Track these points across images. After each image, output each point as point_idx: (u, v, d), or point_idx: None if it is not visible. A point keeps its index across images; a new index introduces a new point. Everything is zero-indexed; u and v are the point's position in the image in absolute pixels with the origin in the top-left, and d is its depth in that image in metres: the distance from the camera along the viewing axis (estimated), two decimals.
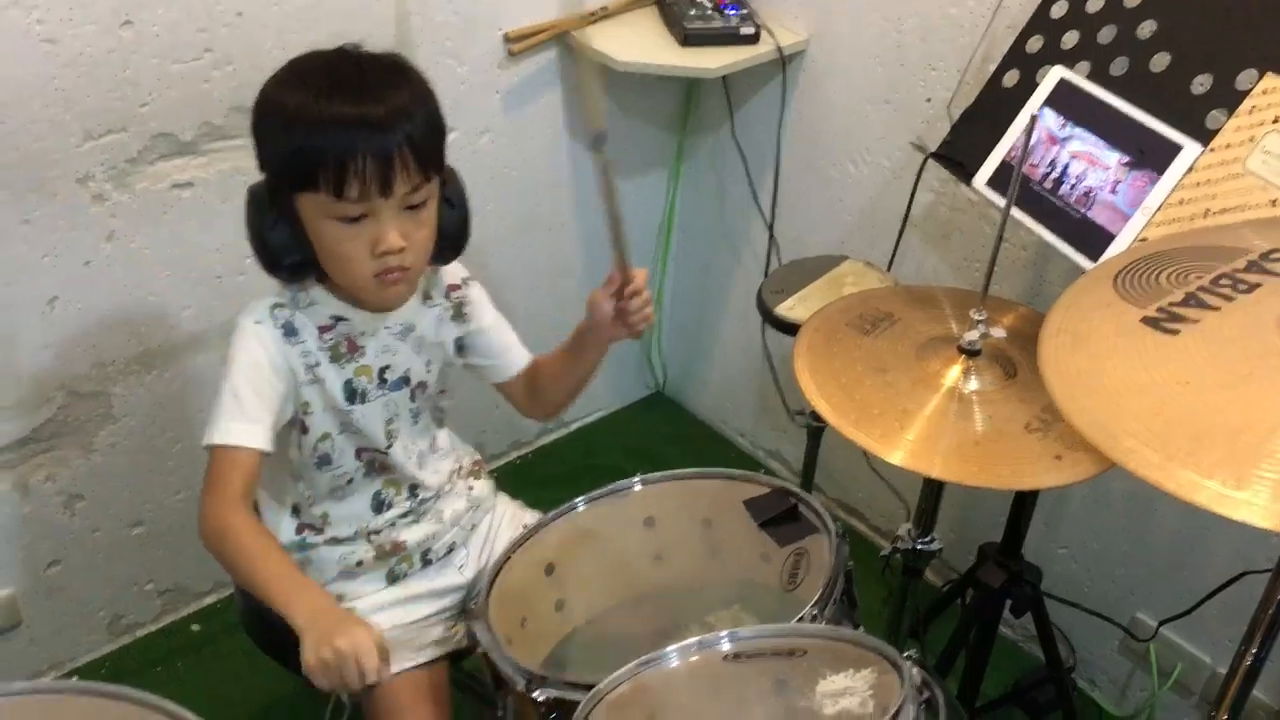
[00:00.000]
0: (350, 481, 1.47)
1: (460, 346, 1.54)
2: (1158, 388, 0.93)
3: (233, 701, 2.05)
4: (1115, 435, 0.88)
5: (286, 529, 1.50)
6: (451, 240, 1.43)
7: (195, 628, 2.23)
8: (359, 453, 1.46)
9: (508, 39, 2.12)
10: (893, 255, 2.01)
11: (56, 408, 1.89)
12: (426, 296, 1.49)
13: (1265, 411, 0.88)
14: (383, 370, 1.44)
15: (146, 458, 2.04)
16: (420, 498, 1.53)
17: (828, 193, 2.26)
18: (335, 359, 1.40)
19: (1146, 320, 0.99)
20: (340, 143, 1.23)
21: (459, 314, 1.52)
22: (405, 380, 1.47)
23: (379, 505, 1.50)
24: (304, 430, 1.42)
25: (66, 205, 1.74)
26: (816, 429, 1.90)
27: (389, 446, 1.47)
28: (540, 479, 2.59)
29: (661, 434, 2.77)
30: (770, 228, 2.36)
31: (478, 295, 1.55)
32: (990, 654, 1.97)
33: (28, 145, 1.67)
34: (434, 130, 1.33)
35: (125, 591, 2.15)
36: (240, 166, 1.88)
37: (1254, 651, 1.15)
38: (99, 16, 1.65)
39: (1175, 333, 0.97)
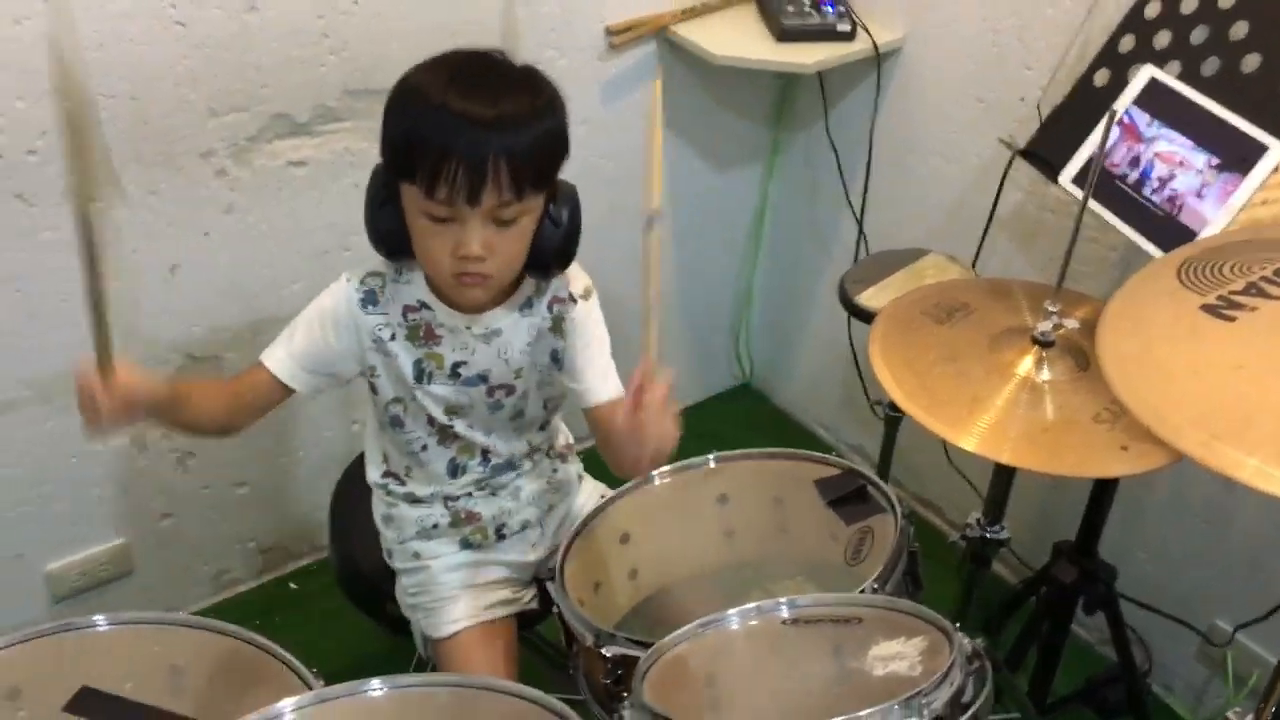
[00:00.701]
0: (425, 448, 1.54)
1: (556, 359, 1.52)
2: (1211, 371, 0.96)
3: (326, 653, 2.14)
4: (1164, 414, 0.91)
5: (374, 471, 1.60)
6: (552, 256, 1.43)
7: (293, 585, 2.35)
8: (430, 420, 1.52)
9: (609, 31, 2.18)
10: (978, 251, 2.03)
11: (174, 369, 2.01)
12: (526, 305, 1.48)
13: None
14: (456, 365, 1.47)
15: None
16: (492, 463, 1.57)
17: (918, 189, 2.28)
18: (411, 338, 1.46)
19: (1205, 307, 1.02)
20: (441, 139, 1.26)
21: (557, 327, 1.50)
22: (483, 379, 1.49)
23: (454, 470, 1.56)
24: (374, 390, 1.51)
25: (190, 178, 1.86)
26: (894, 418, 1.94)
27: (450, 425, 1.52)
28: None
29: (745, 425, 2.82)
30: (860, 222, 2.39)
31: (583, 313, 1.51)
32: (1062, 651, 1.98)
33: (158, 120, 1.79)
34: (544, 149, 1.33)
35: (229, 548, 2.28)
36: (351, 148, 1.99)
37: None
38: (226, 2, 1.76)
39: (1232, 319, 0.99)
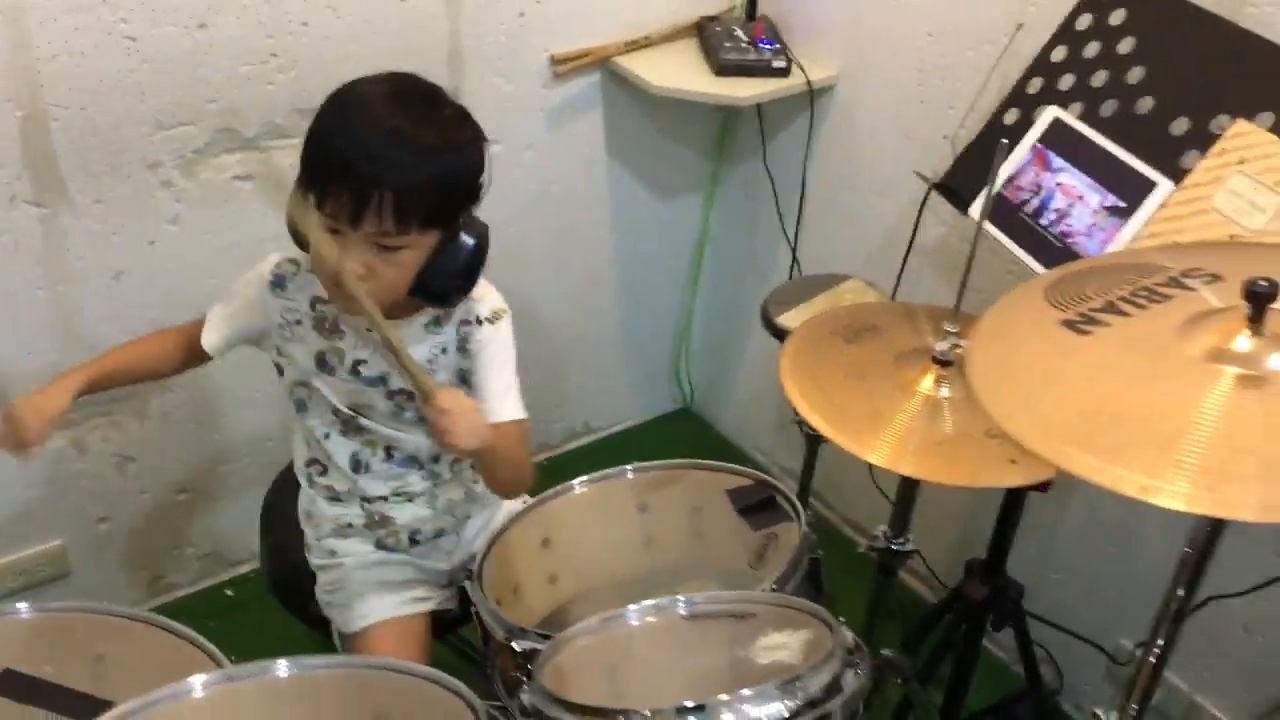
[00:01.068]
0: (328, 436, 1.58)
1: (464, 379, 1.55)
2: (1062, 378, 1.04)
3: (258, 658, 2.19)
4: (1014, 416, 0.99)
5: (299, 459, 1.66)
6: (447, 288, 1.46)
7: (229, 592, 2.39)
8: (334, 410, 1.56)
9: (554, 60, 2.27)
10: (898, 279, 2.12)
11: None
12: (434, 323, 1.52)
13: (1157, 401, 0.98)
14: (356, 363, 1.52)
15: (195, 428, 2.21)
16: (395, 458, 1.59)
17: (849, 221, 2.37)
18: (318, 328, 1.52)
19: (1064, 322, 1.09)
20: (338, 157, 1.31)
21: (463, 347, 1.54)
22: (383, 381, 1.53)
23: (356, 464, 1.59)
24: (280, 371, 1.58)
25: (137, 188, 1.92)
26: (814, 437, 2.01)
27: (353, 417, 1.56)
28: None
29: (685, 448, 2.86)
30: (794, 251, 2.48)
31: (488, 335, 1.53)
32: (974, 667, 2.04)
33: (106, 131, 1.85)
34: (438, 190, 1.35)
35: (167, 553, 2.31)
36: (297, 164, 2.04)
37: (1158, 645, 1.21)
38: (178, 19, 1.82)
39: (1088, 333, 1.07)
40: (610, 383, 2.84)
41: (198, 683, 1.17)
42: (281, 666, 1.20)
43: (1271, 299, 1.01)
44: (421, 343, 1.52)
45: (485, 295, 1.54)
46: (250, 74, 1.93)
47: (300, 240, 1.44)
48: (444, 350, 1.54)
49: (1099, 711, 1.35)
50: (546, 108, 2.32)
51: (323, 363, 1.53)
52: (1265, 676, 1.94)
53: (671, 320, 2.86)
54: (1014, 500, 1.87)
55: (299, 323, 1.52)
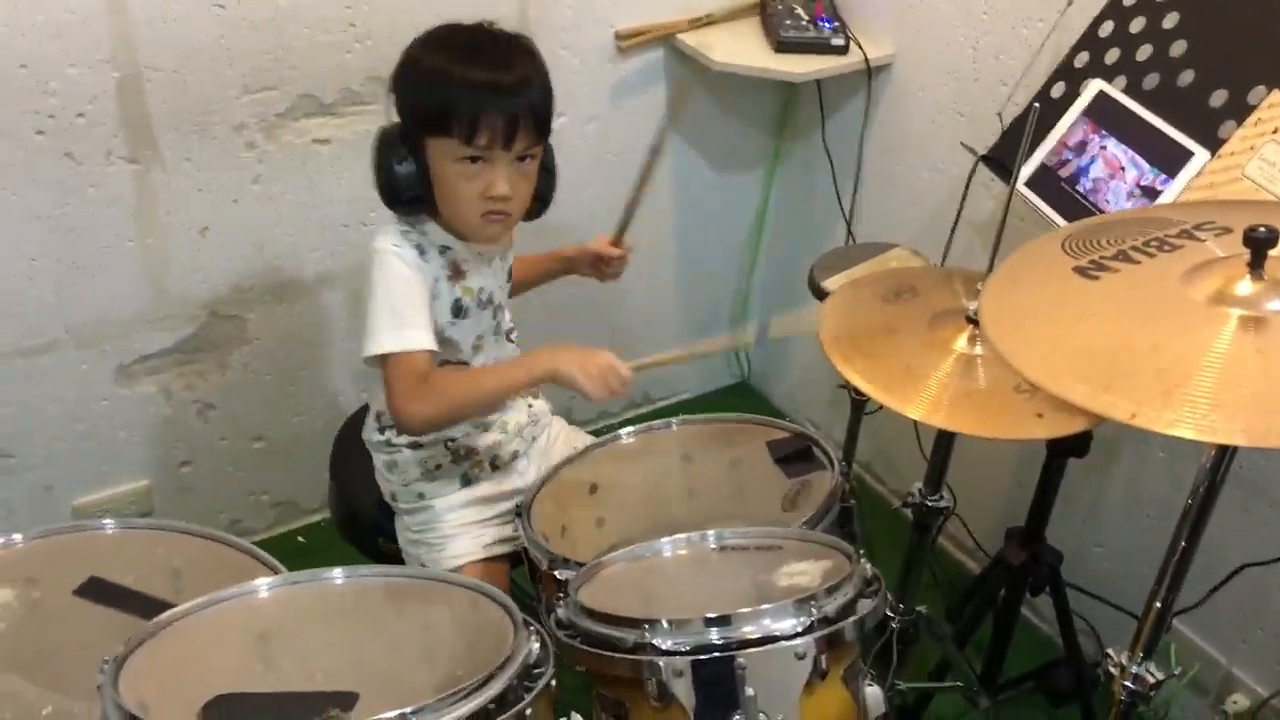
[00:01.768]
0: None
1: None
2: (1069, 319, 1.10)
3: None
4: (1020, 348, 1.05)
5: (372, 432, 1.76)
6: (541, 199, 1.66)
7: (301, 539, 2.52)
8: (443, 364, 1.67)
9: (618, 36, 2.35)
10: (946, 249, 2.17)
11: (200, 325, 2.19)
12: (504, 254, 1.73)
13: (1149, 338, 1.04)
14: (479, 291, 1.67)
15: (273, 379, 2.34)
16: None
17: (903, 196, 2.43)
18: (452, 277, 1.63)
19: (1076, 269, 1.15)
20: (476, 96, 1.48)
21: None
22: (490, 300, 1.70)
23: None
24: None
25: (222, 148, 2.05)
26: (859, 402, 2.07)
27: (470, 360, 1.69)
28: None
29: None
30: (849, 225, 2.54)
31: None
32: (1012, 632, 2.09)
33: (196, 92, 1.97)
34: (549, 101, 1.57)
35: (244, 499, 2.45)
36: (372, 130, 2.11)
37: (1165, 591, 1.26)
38: None
39: (1097, 278, 1.13)
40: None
41: (263, 584, 1.28)
42: (337, 574, 1.30)
43: (1271, 244, 1.05)
44: (503, 270, 1.73)
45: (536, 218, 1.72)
46: (330, 42, 2.05)
47: (413, 194, 1.55)
48: (509, 276, 1.75)
49: (1111, 652, 1.38)
50: (611, 81, 2.40)
51: (459, 309, 1.65)
52: None
53: (731, 293, 2.93)
54: (1053, 466, 1.91)
55: (437, 280, 1.62)
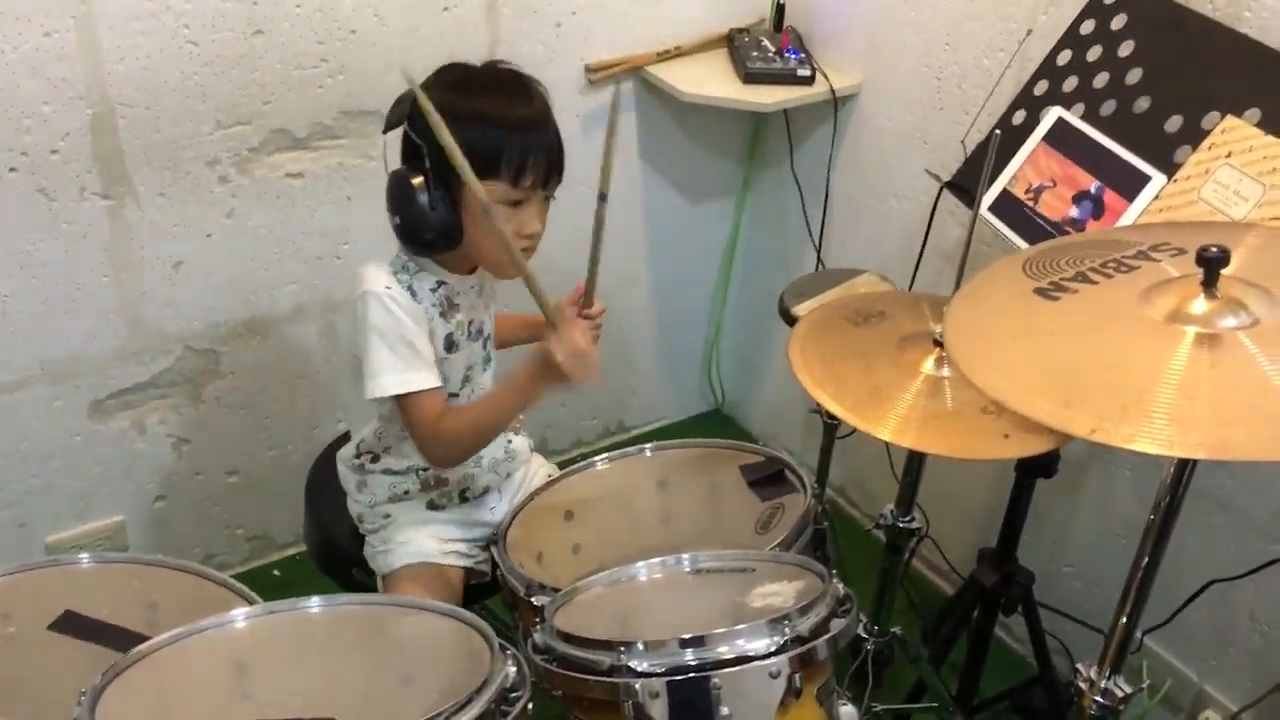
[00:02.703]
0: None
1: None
2: (1030, 339, 1.12)
3: None
4: (982, 367, 1.08)
5: (349, 452, 1.78)
6: None
7: (276, 573, 2.51)
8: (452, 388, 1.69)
9: (588, 69, 2.39)
10: (913, 275, 2.20)
11: (174, 359, 2.20)
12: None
13: (1108, 356, 1.07)
14: (470, 324, 1.69)
15: (246, 413, 2.34)
16: None
17: (871, 223, 2.46)
18: (443, 314, 1.64)
19: (1037, 290, 1.18)
20: (522, 140, 1.51)
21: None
22: (480, 331, 1.72)
23: None
24: None
25: (195, 183, 2.06)
26: (831, 426, 2.09)
27: (459, 391, 1.70)
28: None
29: None
30: (819, 254, 2.57)
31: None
32: (986, 652, 2.11)
33: (168, 129, 1.99)
34: (560, 135, 1.61)
35: (218, 533, 2.44)
36: (345, 163, 2.19)
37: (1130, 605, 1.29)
38: (235, 25, 1.96)
39: (1056, 299, 1.16)
40: (645, 382, 2.94)
41: (240, 614, 1.28)
42: (314, 603, 1.31)
43: (1223, 264, 1.09)
44: (491, 296, 1.75)
45: None
46: (302, 78, 2.07)
47: (447, 238, 1.56)
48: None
49: (1080, 667, 1.41)
50: (582, 113, 2.43)
51: (450, 344, 1.66)
52: (1272, 665, 1.98)
53: (703, 322, 2.96)
54: (1023, 486, 1.94)
55: (431, 319, 1.63)
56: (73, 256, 2.00)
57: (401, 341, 1.57)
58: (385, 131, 1.60)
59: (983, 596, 2.03)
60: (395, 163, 1.59)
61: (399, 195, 1.55)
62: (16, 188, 1.90)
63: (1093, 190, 1.70)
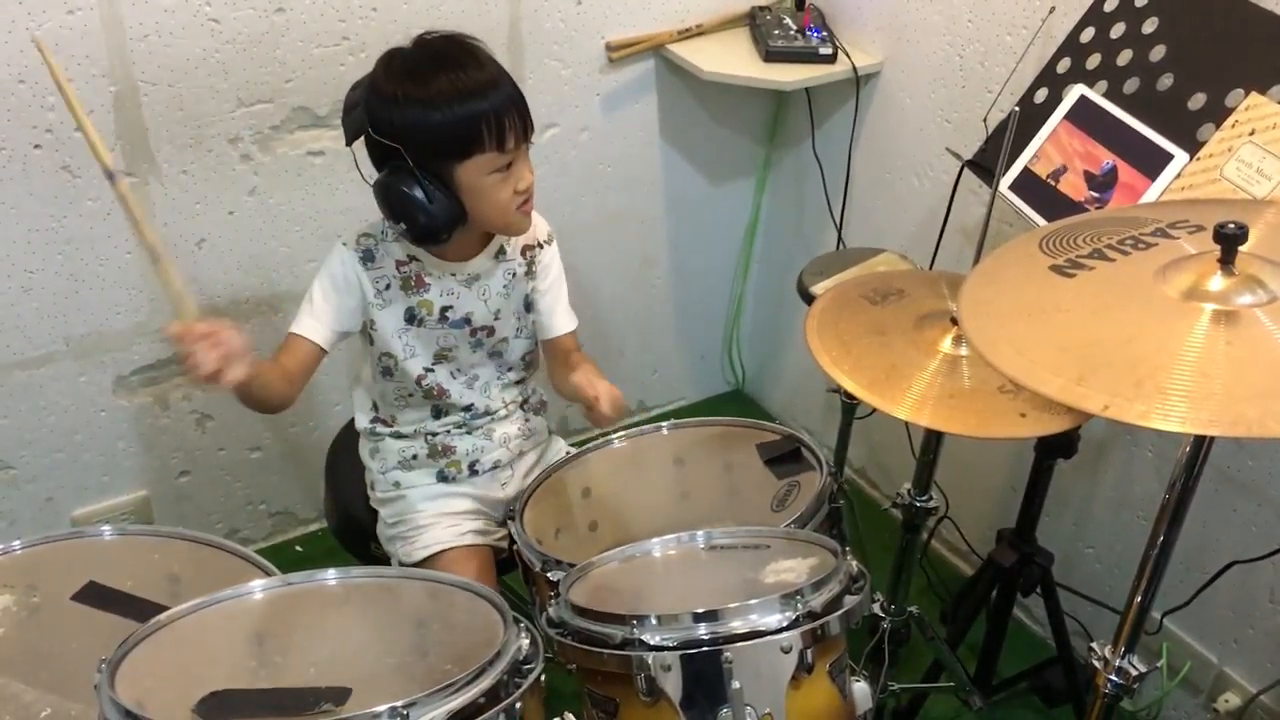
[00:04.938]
0: (411, 396, 1.74)
1: (528, 304, 1.77)
2: (1045, 315, 1.12)
3: None
4: (996, 344, 1.07)
5: (363, 418, 1.80)
6: None
7: (298, 549, 2.54)
8: (419, 379, 1.71)
9: (609, 47, 2.38)
10: (934, 254, 2.19)
11: None
12: (500, 253, 1.72)
13: (1123, 333, 1.06)
14: (444, 309, 1.69)
15: None
16: (473, 413, 1.77)
17: (892, 202, 2.45)
18: (405, 288, 1.67)
19: (1053, 267, 1.18)
20: (492, 105, 1.50)
21: (530, 271, 1.75)
22: (466, 321, 1.71)
23: (437, 413, 1.77)
24: (370, 342, 1.71)
25: (218, 161, 2.07)
26: (849, 406, 2.09)
27: (433, 367, 1.72)
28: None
29: None
30: (839, 233, 2.56)
31: (549, 256, 1.78)
32: (1005, 632, 2.11)
33: (191, 107, 2.00)
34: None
35: (241, 508, 2.47)
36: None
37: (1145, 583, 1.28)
38: (257, 3, 1.97)
39: (1072, 276, 1.15)
40: (665, 362, 2.95)
41: (257, 585, 1.30)
42: (330, 575, 1.32)
43: (1240, 240, 1.08)
44: (495, 271, 1.71)
45: (536, 220, 1.74)
46: (323, 55, 2.08)
47: (454, 224, 1.57)
48: (514, 275, 1.73)
49: (1094, 646, 1.40)
50: (602, 92, 2.43)
51: (411, 317, 1.68)
52: None
53: (724, 302, 2.96)
54: (1041, 467, 1.93)
55: (388, 287, 1.66)
56: (97, 233, 2.02)
57: (317, 289, 1.66)
58: (349, 144, 1.60)
59: (1001, 577, 2.03)
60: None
61: (394, 201, 1.55)
62: (41, 165, 1.92)
63: (1107, 167, 1.68)
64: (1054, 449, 1.87)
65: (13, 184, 1.92)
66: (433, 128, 1.52)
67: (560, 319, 1.81)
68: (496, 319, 1.74)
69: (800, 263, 2.74)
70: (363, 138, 1.57)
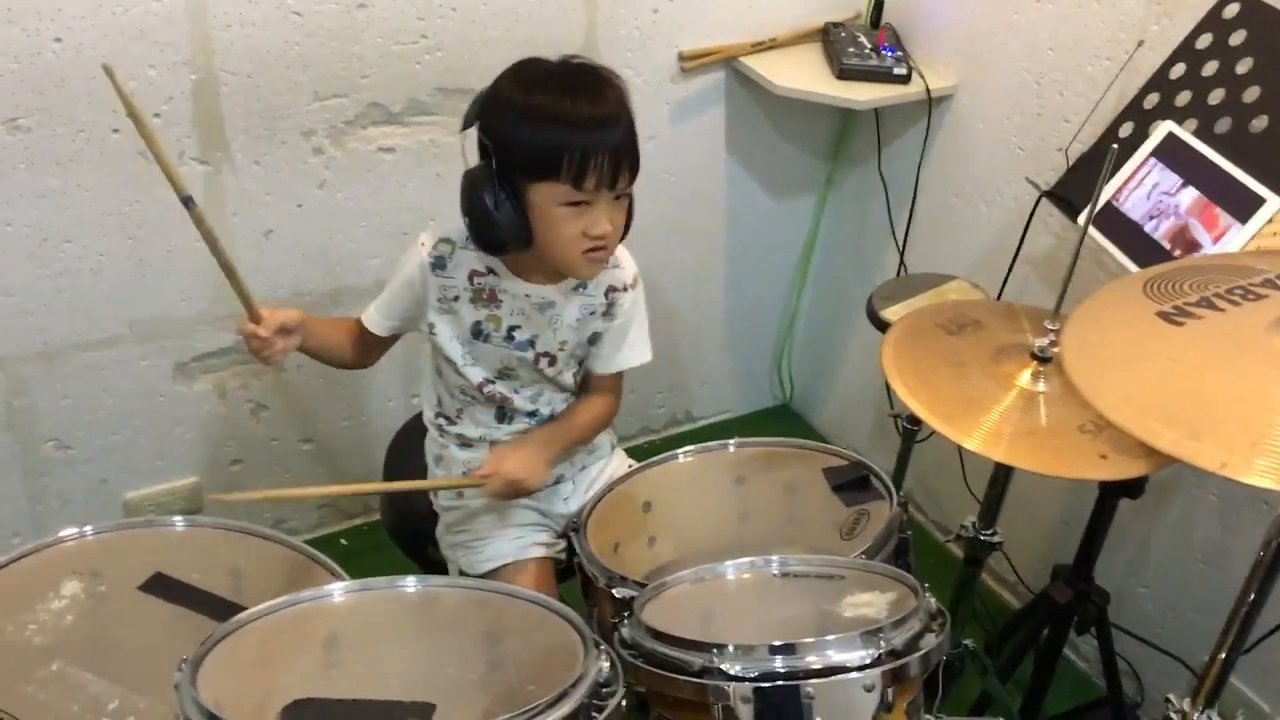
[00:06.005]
0: (474, 400, 1.73)
1: (594, 340, 1.73)
2: (1154, 363, 1.10)
3: None
4: (1100, 389, 1.06)
5: (429, 410, 1.80)
6: (627, 230, 1.66)
7: (344, 542, 2.53)
8: (480, 386, 1.70)
9: (682, 57, 2.37)
10: (1003, 284, 2.17)
11: None
12: (581, 286, 1.68)
13: (1238, 387, 1.04)
14: (511, 328, 1.67)
15: (324, 384, 2.36)
16: (539, 419, 1.75)
17: (958, 228, 2.43)
18: (475, 300, 1.65)
19: (1160, 314, 1.16)
20: (584, 140, 1.48)
21: (609, 313, 1.71)
22: (530, 344, 1.68)
23: (502, 417, 1.75)
24: (432, 344, 1.71)
25: (291, 153, 2.07)
26: (911, 430, 2.07)
27: (495, 380, 1.70)
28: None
29: None
30: (902, 256, 2.54)
31: (632, 301, 1.73)
32: (1054, 669, 2.09)
33: (268, 98, 2.00)
34: (635, 133, 1.57)
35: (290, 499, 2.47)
36: (437, 140, 2.19)
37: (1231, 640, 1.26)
38: None
39: (1181, 324, 1.13)
40: (714, 374, 2.93)
41: (337, 589, 1.29)
42: (410, 582, 1.31)
43: None
44: (571, 303, 1.68)
45: (625, 261, 1.71)
46: (401, 53, 2.07)
47: (514, 238, 1.56)
48: (591, 313, 1.70)
49: (1172, 698, 1.38)
50: (672, 101, 2.42)
51: (478, 331, 1.67)
52: None
53: (777, 317, 2.94)
54: (1105, 505, 1.91)
55: (456, 298, 1.65)
56: (167, 220, 2.02)
57: (391, 281, 1.69)
58: (462, 130, 1.59)
59: (1055, 613, 2.01)
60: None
61: (467, 195, 1.56)
62: (119, 149, 1.92)
63: (1202, 211, 1.66)
64: (1121, 489, 1.84)
65: (90, 167, 1.92)
66: (518, 139, 1.51)
67: (625, 356, 1.76)
68: (561, 349, 1.70)
69: (857, 282, 2.73)
70: (474, 128, 1.57)
